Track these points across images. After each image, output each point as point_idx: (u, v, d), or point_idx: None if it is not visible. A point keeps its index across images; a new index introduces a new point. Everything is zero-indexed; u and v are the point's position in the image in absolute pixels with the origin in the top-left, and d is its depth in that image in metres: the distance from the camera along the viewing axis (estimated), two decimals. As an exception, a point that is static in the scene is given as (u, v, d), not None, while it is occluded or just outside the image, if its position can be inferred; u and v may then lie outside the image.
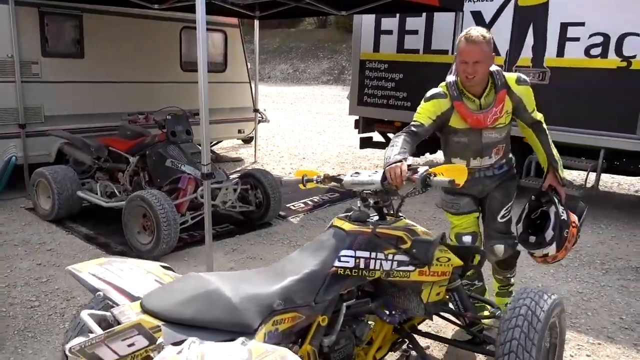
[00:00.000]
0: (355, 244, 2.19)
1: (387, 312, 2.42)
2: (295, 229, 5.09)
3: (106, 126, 6.09)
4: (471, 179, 2.74)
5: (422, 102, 2.77)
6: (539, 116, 2.80)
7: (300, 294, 2.04)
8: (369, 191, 2.32)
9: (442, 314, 2.70)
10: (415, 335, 2.65)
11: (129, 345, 1.61)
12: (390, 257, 2.25)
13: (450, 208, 3.00)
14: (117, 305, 1.84)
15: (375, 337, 2.49)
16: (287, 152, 9.37)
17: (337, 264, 2.14)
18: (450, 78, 2.77)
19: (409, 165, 2.32)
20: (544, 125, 2.82)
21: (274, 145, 10.12)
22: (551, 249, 2.77)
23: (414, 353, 2.56)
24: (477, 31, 2.62)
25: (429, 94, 2.77)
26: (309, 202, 5.96)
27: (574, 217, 2.81)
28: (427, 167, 2.27)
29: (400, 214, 2.44)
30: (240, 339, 1.76)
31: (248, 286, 1.97)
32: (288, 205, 5.74)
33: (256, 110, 8.33)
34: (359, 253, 2.18)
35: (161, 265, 2.28)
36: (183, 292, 1.86)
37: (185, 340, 1.66)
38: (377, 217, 2.37)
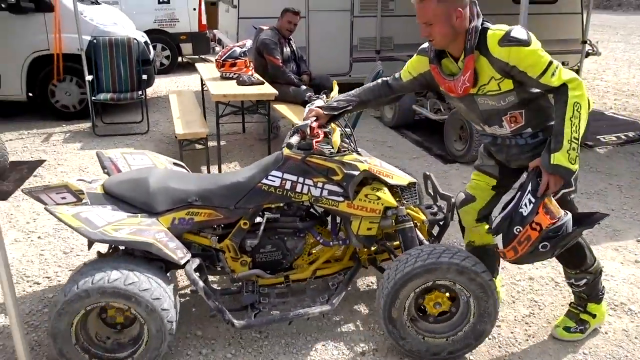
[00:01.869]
0: (284, 167, 2.51)
1: (321, 234, 2.70)
2: (598, 158, 5.36)
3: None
4: (498, 144, 2.40)
5: None
6: (555, 82, 2.04)
7: (219, 197, 2.50)
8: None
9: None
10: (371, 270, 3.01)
11: (62, 198, 2.38)
12: (320, 185, 2.49)
13: (477, 160, 2.64)
14: None
15: (322, 255, 2.78)
16: (613, 88, 8.96)
17: (264, 180, 2.51)
18: None
19: (334, 115, 2.53)
20: (568, 93, 2.03)
21: (601, 80, 9.71)
22: (497, 240, 2.21)
23: (334, 282, 2.73)
24: None
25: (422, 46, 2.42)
26: (622, 137, 5.99)
27: (545, 220, 2.05)
28: (305, 123, 2.45)
29: (357, 150, 2.61)
30: (142, 215, 2.41)
31: (176, 182, 2.54)
32: (598, 136, 5.93)
33: (584, 42, 8.21)
34: (286, 176, 2.49)
35: (173, 163, 3.04)
36: (128, 176, 2.57)
37: (106, 205, 2.40)
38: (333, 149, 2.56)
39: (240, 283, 2.67)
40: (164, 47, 9.86)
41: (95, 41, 6.22)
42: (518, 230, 2.10)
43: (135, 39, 6.42)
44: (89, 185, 2.54)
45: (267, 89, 4.74)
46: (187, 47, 10.05)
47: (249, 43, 5.22)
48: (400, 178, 2.62)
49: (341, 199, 2.50)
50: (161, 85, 8.85)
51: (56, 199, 2.39)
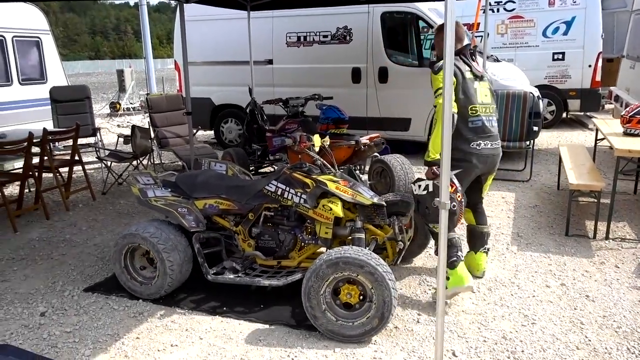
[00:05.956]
0: (280, 178, 3.42)
1: (304, 234, 3.46)
2: None
3: None
4: None
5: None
6: (434, 101, 3.20)
7: (237, 194, 3.51)
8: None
9: None
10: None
11: (147, 180, 3.67)
12: (299, 194, 3.33)
13: None
14: None
15: (307, 249, 3.48)
16: None
17: (266, 187, 3.44)
18: None
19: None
20: (438, 114, 3.15)
21: None
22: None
23: (298, 271, 3.39)
24: None
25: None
26: None
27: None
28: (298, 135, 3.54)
29: (334, 171, 3.49)
30: (183, 197, 3.57)
31: (215, 180, 3.64)
32: None
33: None
34: (279, 185, 3.40)
35: (243, 172, 4.10)
36: (190, 173, 3.78)
37: (167, 188, 3.65)
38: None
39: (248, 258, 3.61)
40: (549, 102, 9.94)
41: (496, 94, 6.83)
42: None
43: (531, 92, 6.78)
44: (172, 176, 3.83)
45: (683, 149, 4.33)
46: (574, 104, 9.87)
47: (663, 100, 4.87)
48: (365, 199, 3.32)
49: (310, 206, 3.30)
50: (543, 139, 8.95)
51: (144, 181, 3.70)
